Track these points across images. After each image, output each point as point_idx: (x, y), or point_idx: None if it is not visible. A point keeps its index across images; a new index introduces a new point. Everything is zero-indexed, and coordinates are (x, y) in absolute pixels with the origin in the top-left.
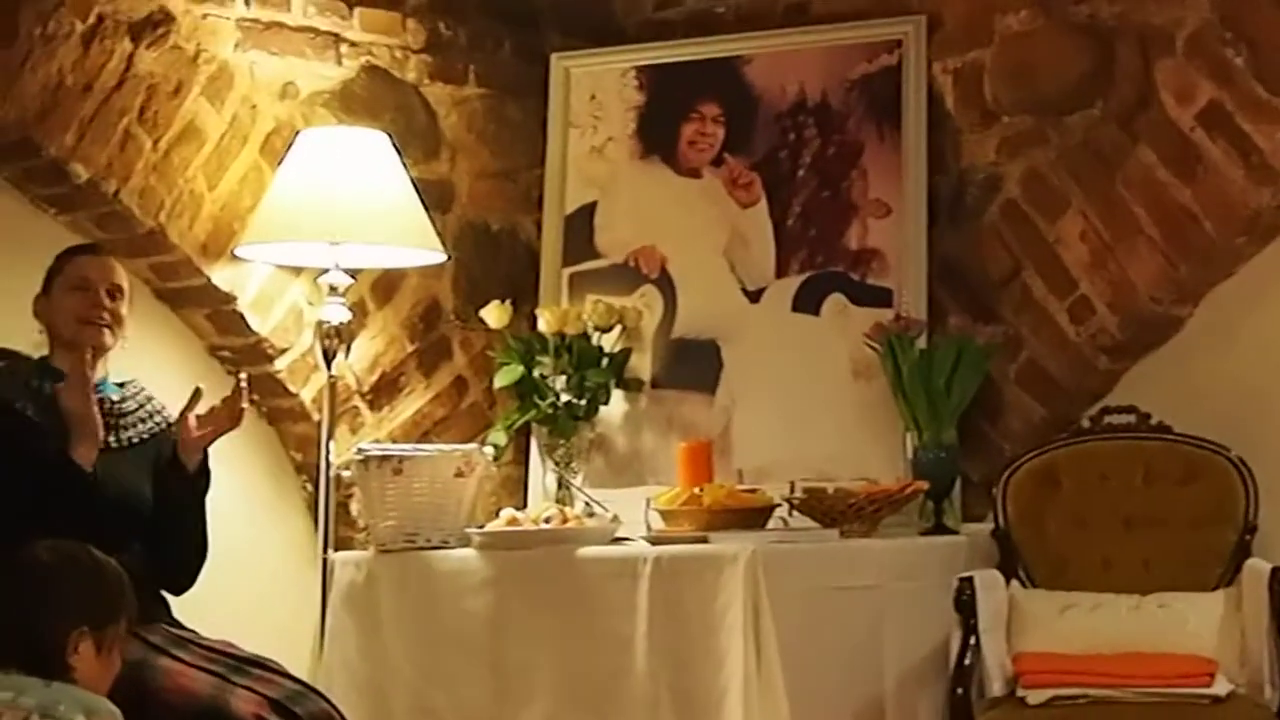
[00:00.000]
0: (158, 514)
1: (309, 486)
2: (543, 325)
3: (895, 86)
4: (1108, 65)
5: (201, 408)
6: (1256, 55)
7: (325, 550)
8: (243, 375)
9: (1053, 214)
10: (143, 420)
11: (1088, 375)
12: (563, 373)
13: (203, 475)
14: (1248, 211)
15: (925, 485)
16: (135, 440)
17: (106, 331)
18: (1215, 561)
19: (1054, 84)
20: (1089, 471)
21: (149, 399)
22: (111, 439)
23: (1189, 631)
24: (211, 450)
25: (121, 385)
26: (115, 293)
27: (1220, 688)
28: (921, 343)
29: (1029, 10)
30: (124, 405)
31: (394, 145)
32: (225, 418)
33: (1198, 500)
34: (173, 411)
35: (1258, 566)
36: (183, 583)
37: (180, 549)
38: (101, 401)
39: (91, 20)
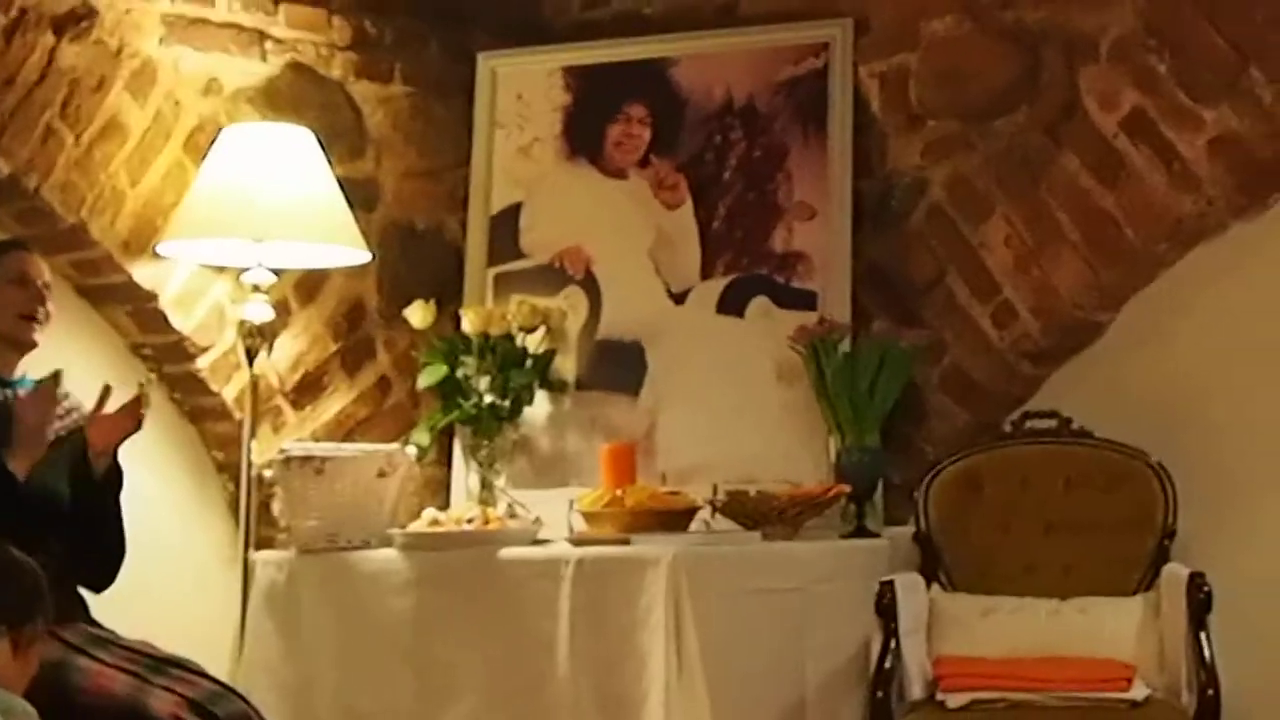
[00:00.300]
0: (75, 513)
1: (230, 486)
2: (467, 325)
3: (822, 89)
4: (1033, 71)
5: (111, 406)
6: (1180, 63)
7: (246, 550)
8: (145, 379)
9: (977, 219)
10: (60, 417)
11: (1010, 380)
12: (487, 373)
13: (114, 474)
14: (1170, 218)
15: (848, 488)
16: (52, 437)
17: (38, 328)
18: (1135, 566)
19: (980, 89)
20: (1010, 476)
21: (66, 395)
22: None
23: (1108, 636)
24: (133, 449)
25: (39, 383)
26: (47, 289)
27: (1138, 692)
28: (845, 346)
29: (955, 15)
30: None
31: (319, 143)
32: (128, 421)
33: (1118, 505)
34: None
35: (1176, 571)
36: (101, 581)
37: (97, 548)
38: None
39: (13, 14)
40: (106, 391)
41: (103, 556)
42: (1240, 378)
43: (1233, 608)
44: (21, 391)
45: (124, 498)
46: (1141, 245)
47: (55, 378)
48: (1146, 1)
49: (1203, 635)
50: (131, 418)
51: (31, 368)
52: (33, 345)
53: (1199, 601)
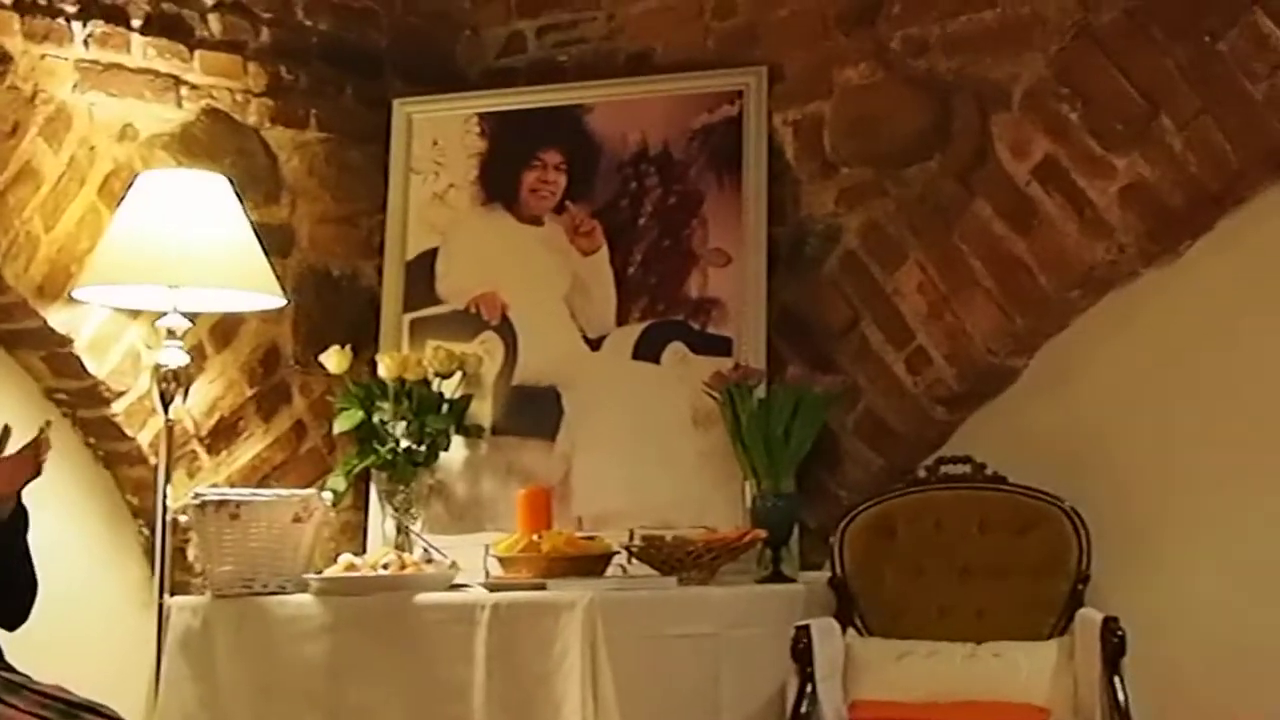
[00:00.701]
0: None
1: (145, 531)
2: (383, 371)
3: (736, 137)
4: (946, 119)
5: (11, 448)
6: (1091, 111)
7: (161, 595)
8: (45, 422)
9: (891, 265)
10: None
11: (925, 425)
12: (403, 418)
13: (19, 517)
14: (1082, 265)
15: (763, 534)
16: None
17: None
18: (1049, 611)
19: (893, 137)
20: (925, 520)
21: (9, 429)
22: None
23: (1023, 680)
24: (47, 493)
25: None
26: None
27: None
28: (760, 392)
29: (868, 64)
30: None
31: (234, 189)
32: (28, 464)
33: (1032, 550)
34: None
35: (1090, 616)
36: (14, 620)
37: (7, 588)
38: None
39: None
40: (6, 433)
41: (12, 596)
42: (1151, 423)
43: (1146, 651)
44: None
45: (37, 540)
46: (1054, 292)
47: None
48: (1058, 50)
49: (1117, 679)
50: (31, 462)
51: None
52: None
53: (1113, 645)
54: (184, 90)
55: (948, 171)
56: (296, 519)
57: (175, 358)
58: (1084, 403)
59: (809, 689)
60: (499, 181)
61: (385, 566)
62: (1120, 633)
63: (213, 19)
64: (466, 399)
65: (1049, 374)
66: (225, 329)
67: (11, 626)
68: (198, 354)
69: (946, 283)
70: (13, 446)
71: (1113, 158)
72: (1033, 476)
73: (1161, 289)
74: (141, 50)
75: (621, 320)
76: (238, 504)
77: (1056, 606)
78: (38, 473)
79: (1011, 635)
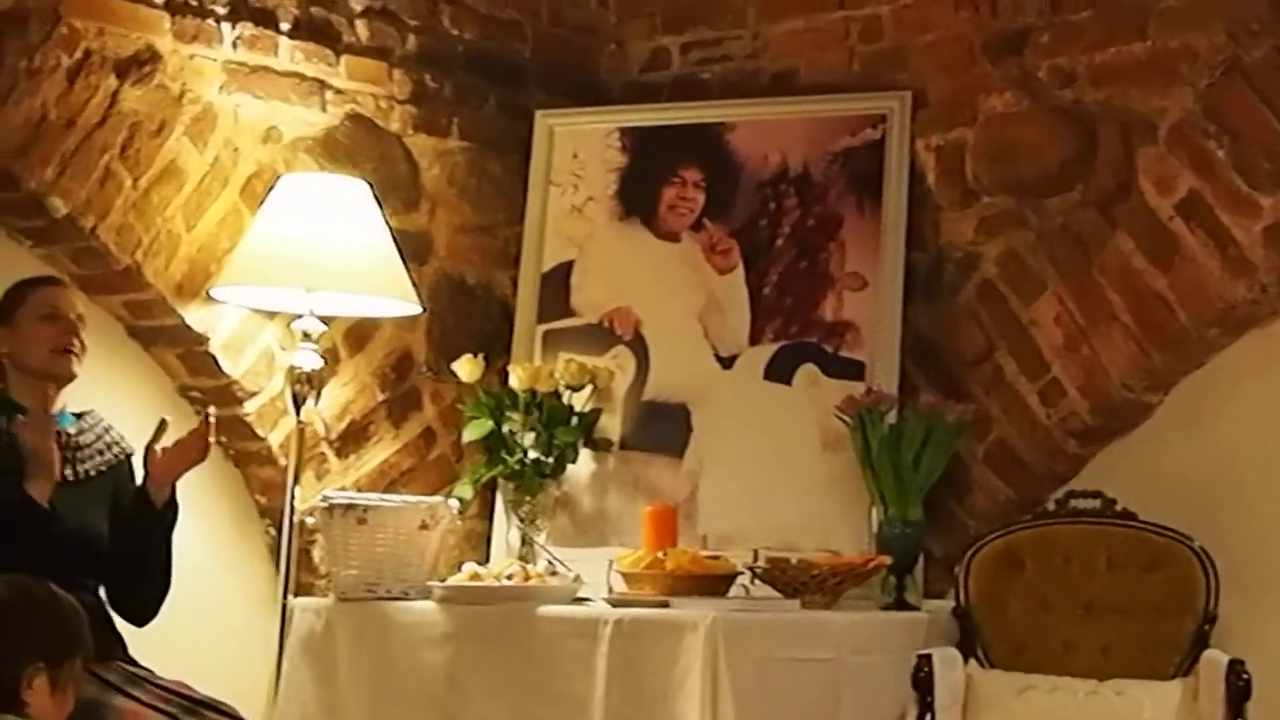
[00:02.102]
0: (122, 546)
1: (272, 531)
2: (514, 381)
3: (877, 161)
4: (1090, 150)
5: (168, 440)
6: (1238, 148)
7: (285, 596)
8: (210, 410)
9: (1029, 296)
10: (100, 452)
11: (1056, 458)
12: (531, 429)
13: (170, 508)
14: (1222, 303)
15: (888, 560)
16: (93, 473)
17: (75, 360)
18: (1174, 650)
19: (1035, 166)
20: (1052, 554)
21: (106, 430)
22: (68, 472)
23: (1145, 719)
24: (178, 489)
25: (79, 416)
26: (80, 321)
27: None
28: (892, 417)
29: (1013, 92)
30: (81, 438)
31: (374, 195)
32: (193, 450)
33: (1159, 588)
34: (132, 443)
35: (1216, 658)
36: (146, 614)
37: (144, 580)
38: (59, 434)
39: (78, 55)
40: (162, 426)
41: (148, 589)
42: None
43: (1272, 696)
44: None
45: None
46: (1192, 329)
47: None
48: (1207, 85)
49: None
50: (197, 447)
51: (72, 401)
52: (70, 378)
53: (1238, 689)
54: (329, 95)
55: (1089, 203)
56: (423, 526)
57: (309, 360)
58: (1217, 442)
59: (929, 719)
60: (637, 196)
61: (509, 577)
62: (1246, 676)
63: (360, 25)
64: (596, 413)
65: (1184, 411)
66: (359, 334)
67: (141, 622)
68: (331, 357)
69: (1084, 315)
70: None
71: (1258, 196)
72: (1163, 514)
73: None
74: (289, 53)
75: (754, 340)
76: (365, 508)
77: (1182, 646)
78: (203, 457)
79: (1135, 674)
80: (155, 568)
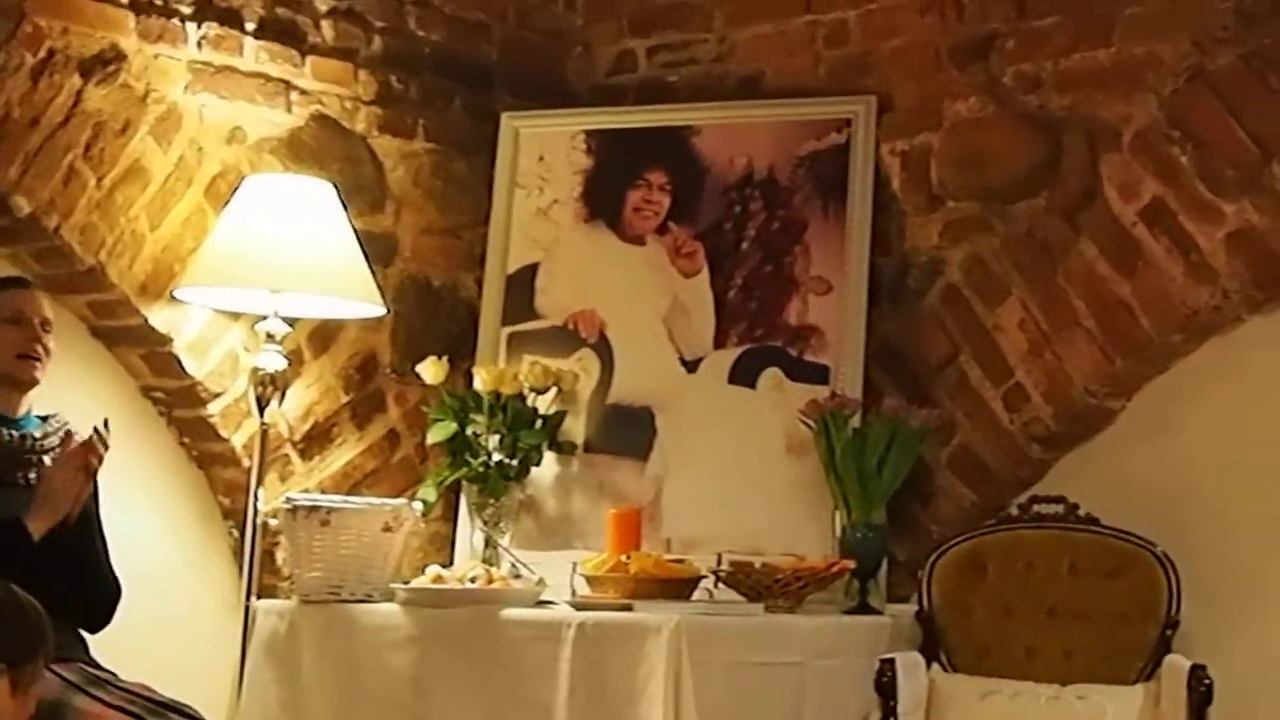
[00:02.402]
0: (59, 558)
1: (235, 533)
2: (479, 383)
3: (843, 165)
4: (1055, 156)
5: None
6: (1202, 155)
7: (248, 598)
8: (103, 419)
9: (993, 301)
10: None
11: (1019, 463)
12: (496, 432)
13: (85, 521)
14: (1186, 309)
15: (852, 564)
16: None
17: (38, 366)
18: (1136, 655)
19: (1001, 172)
20: (1015, 559)
21: (70, 434)
22: (33, 475)
23: None
24: (140, 491)
25: (44, 419)
26: (46, 326)
27: None
28: (856, 422)
29: (979, 98)
30: (46, 441)
31: (339, 196)
32: (75, 477)
33: (1122, 594)
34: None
35: (1178, 663)
36: (95, 622)
37: (84, 591)
38: (24, 437)
39: (42, 54)
40: (68, 438)
41: (92, 598)
42: (1248, 471)
43: (1233, 701)
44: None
45: (127, 537)
46: (1156, 335)
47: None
48: (1171, 92)
49: None
50: (76, 471)
51: (37, 404)
52: (33, 384)
53: (1200, 694)
54: (294, 95)
55: (1054, 209)
56: (386, 528)
57: (273, 361)
58: (1181, 448)
59: None
60: (603, 199)
61: (473, 580)
62: (1208, 681)
63: (326, 25)
64: (560, 415)
65: (1147, 417)
66: (324, 335)
67: (93, 629)
68: (295, 359)
69: (1048, 321)
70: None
71: (1222, 203)
72: (1126, 519)
73: (1265, 337)
74: (254, 54)
75: (719, 343)
76: (329, 510)
77: (1144, 652)
78: (92, 474)
79: (1098, 679)
80: (92, 577)
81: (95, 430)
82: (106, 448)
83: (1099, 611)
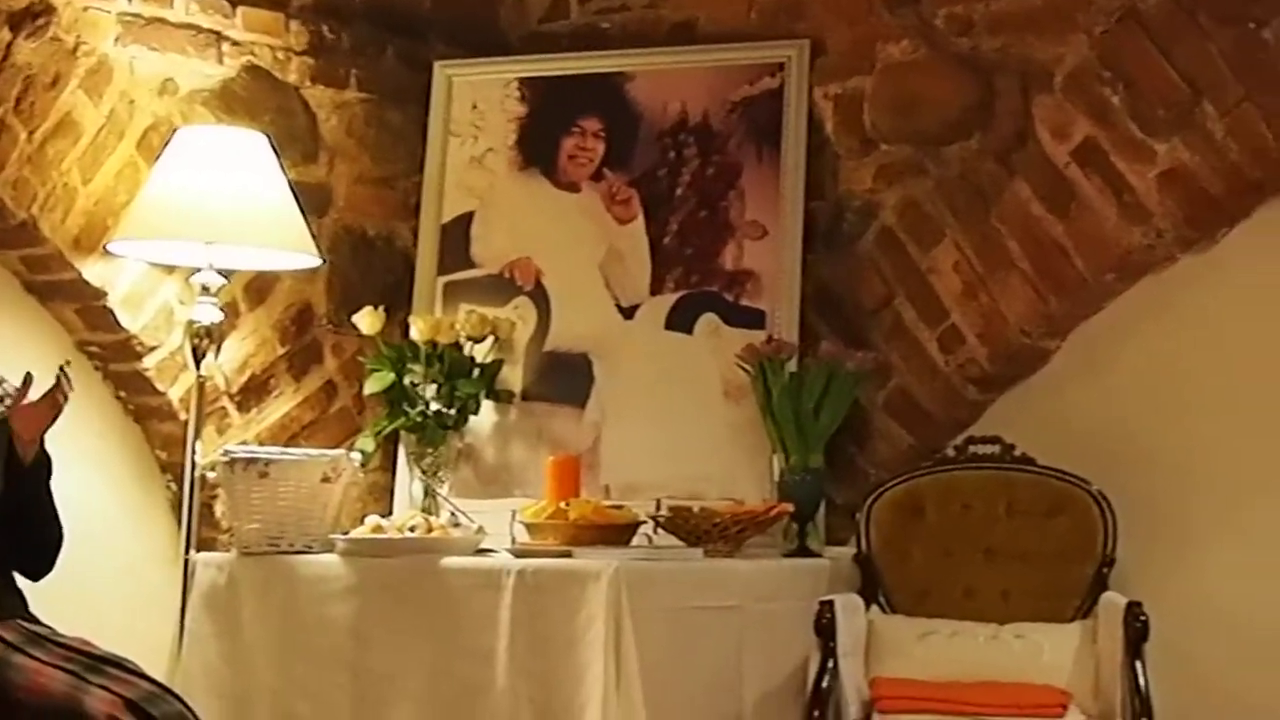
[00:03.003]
0: (5, 503)
1: (173, 486)
2: (415, 333)
3: (776, 110)
4: (987, 99)
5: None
6: (1133, 95)
7: (187, 551)
8: (65, 360)
9: (927, 243)
10: None
11: (955, 405)
12: (433, 381)
13: (42, 463)
14: (1118, 249)
15: (790, 508)
16: None
17: None
18: (1073, 594)
19: (933, 115)
20: (952, 500)
21: (31, 377)
22: None
23: (1045, 662)
24: (76, 445)
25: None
26: None
27: (1073, 719)
28: (792, 366)
29: (911, 40)
30: None
31: (272, 147)
32: (48, 407)
33: (1058, 533)
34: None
35: (1114, 600)
36: (39, 570)
37: (32, 537)
38: None
39: None
40: (28, 380)
41: (38, 546)
42: (1182, 409)
43: (1168, 637)
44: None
45: (65, 493)
46: (1090, 275)
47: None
48: (1102, 32)
49: (1138, 664)
50: (51, 404)
51: None
52: None
53: (1135, 630)
54: (225, 46)
55: (987, 151)
56: (325, 479)
57: (208, 314)
58: (1116, 387)
59: (831, 664)
60: (537, 147)
61: (412, 529)
62: (1143, 618)
63: None
64: (498, 364)
65: (1082, 357)
66: (259, 287)
67: (36, 576)
68: (231, 311)
69: (982, 263)
70: (35, 393)
71: (1153, 142)
72: (1062, 459)
73: (1197, 275)
74: (184, 5)
75: (655, 290)
76: (266, 462)
77: (1081, 590)
78: (58, 413)
79: (1035, 617)
80: (41, 522)
81: (60, 370)
82: (71, 388)
83: (1036, 551)
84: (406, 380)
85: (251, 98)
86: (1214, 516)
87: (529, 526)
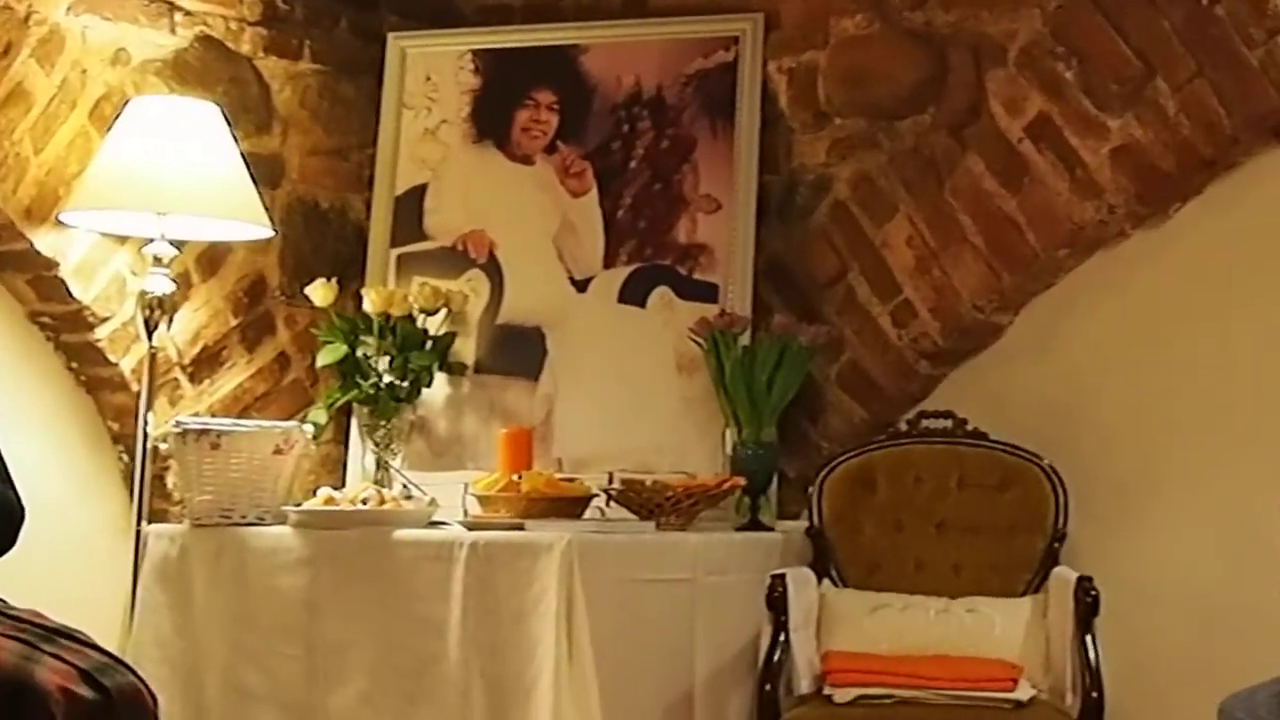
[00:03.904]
0: None
1: (125, 457)
2: (368, 305)
3: (730, 83)
4: (941, 73)
5: None
6: (1086, 70)
7: (139, 523)
8: None
9: (880, 218)
10: None
11: (908, 379)
12: (386, 354)
13: None
14: (1071, 224)
15: (742, 481)
16: None
17: None
18: (1024, 568)
19: (887, 89)
20: (904, 474)
21: None
22: None
23: (995, 636)
24: (30, 415)
25: None
26: None
27: (1023, 693)
28: (745, 339)
29: (865, 14)
30: None
31: (225, 118)
32: None
33: (1010, 507)
34: None
35: (1064, 574)
36: (2, 545)
37: None
38: None
39: None
40: None
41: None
42: (1134, 385)
43: (1119, 611)
44: None
45: (17, 464)
46: (1042, 250)
47: None
48: (1055, 8)
49: (1089, 638)
50: None
51: None
52: None
53: (1086, 605)
54: (178, 16)
55: (941, 126)
56: (277, 451)
57: (161, 285)
58: (1067, 362)
59: (783, 637)
60: (491, 119)
61: (364, 501)
62: (1094, 592)
63: None
64: (451, 336)
65: (1034, 332)
66: (212, 258)
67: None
68: (183, 282)
69: (935, 237)
70: None
71: (1106, 118)
72: (1014, 433)
73: (1149, 251)
74: None
75: (609, 263)
76: (219, 434)
77: (1032, 564)
78: None
79: (987, 591)
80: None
81: None
82: None
83: (987, 525)
84: (359, 352)
85: (204, 68)
86: (1165, 491)
87: (481, 499)
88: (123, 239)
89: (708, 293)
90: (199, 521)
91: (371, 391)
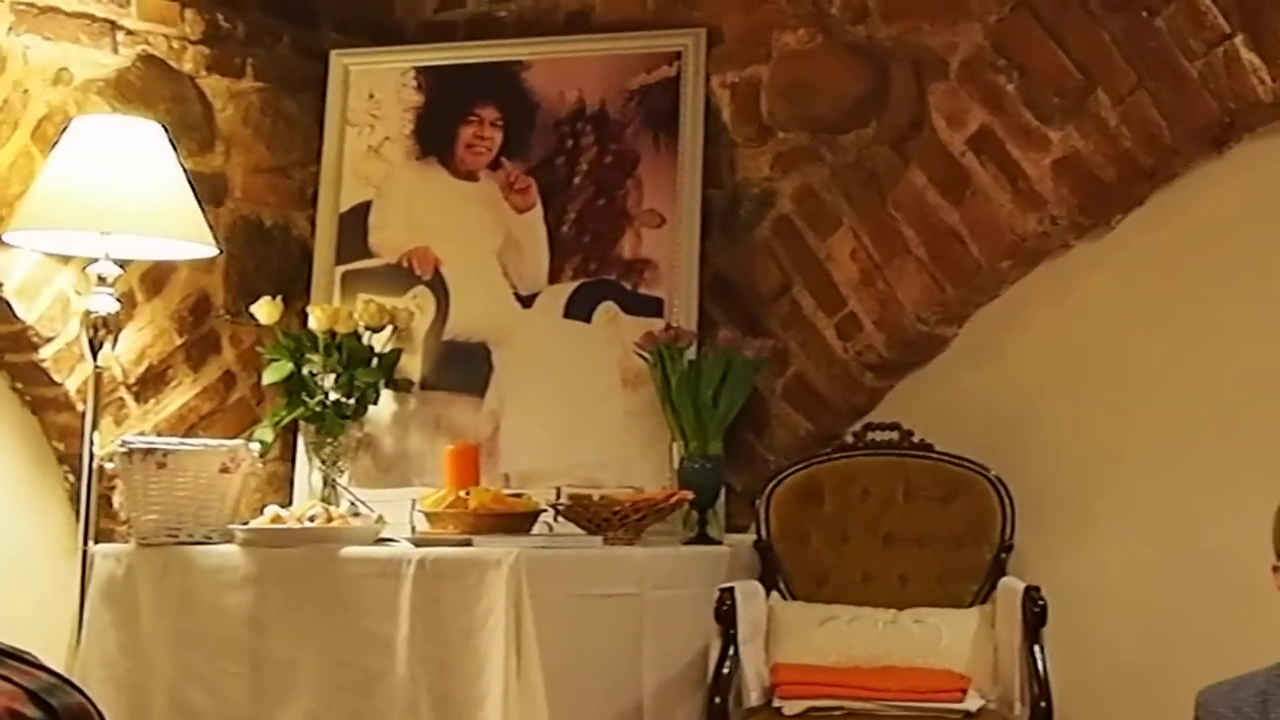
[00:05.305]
0: None
1: (71, 477)
2: (313, 323)
3: (673, 98)
4: (883, 87)
5: None
6: (1027, 83)
7: (86, 542)
8: None
9: (824, 231)
10: None
11: (853, 391)
12: (332, 371)
13: None
14: (1013, 236)
15: (690, 495)
16: None
17: None
18: (971, 579)
19: (829, 103)
20: (851, 486)
21: None
22: None
23: (943, 647)
24: None
25: None
26: None
27: (972, 703)
28: (691, 354)
29: (807, 29)
30: None
31: (168, 136)
32: None
33: (956, 518)
34: None
35: (1012, 585)
36: None
37: None
38: None
39: None
40: None
41: None
42: (1079, 395)
43: (1067, 621)
44: None
45: None
46: (985, 262)
47: None
48: (996, 21)
49: (1037, 648)
50: None
51: None
52: None
53: (1034, 614)
54: (120, 36)
55: (883, 139)
56: (223, 469)
57: (105, 304)
58: (1012, 373)
59: (731, 651)
60: (434, 136)
61: (311, 519)
62: (1041, 602)
63: None
64: (396, 353)
65: (978, 344)
66: (156, 277)
67: None
68: (128, 301)
69: (879, 250)
70: None
71: (1047, 130)
72: (959, 445)
73: (1092, 262)
74: None
75: (553, 278)
76: (164, 453)
77: (979, 575)
78: None
79: (934, 602)
80: None
81: None
82: None
83: (934, 536)
84: (305, 370)
85: (147, 87)
86: (1111, 501)
87: (429, 515)
88: (66, 258)
89: (653, 307)
90: (145, 541)
91: (318, 409)
